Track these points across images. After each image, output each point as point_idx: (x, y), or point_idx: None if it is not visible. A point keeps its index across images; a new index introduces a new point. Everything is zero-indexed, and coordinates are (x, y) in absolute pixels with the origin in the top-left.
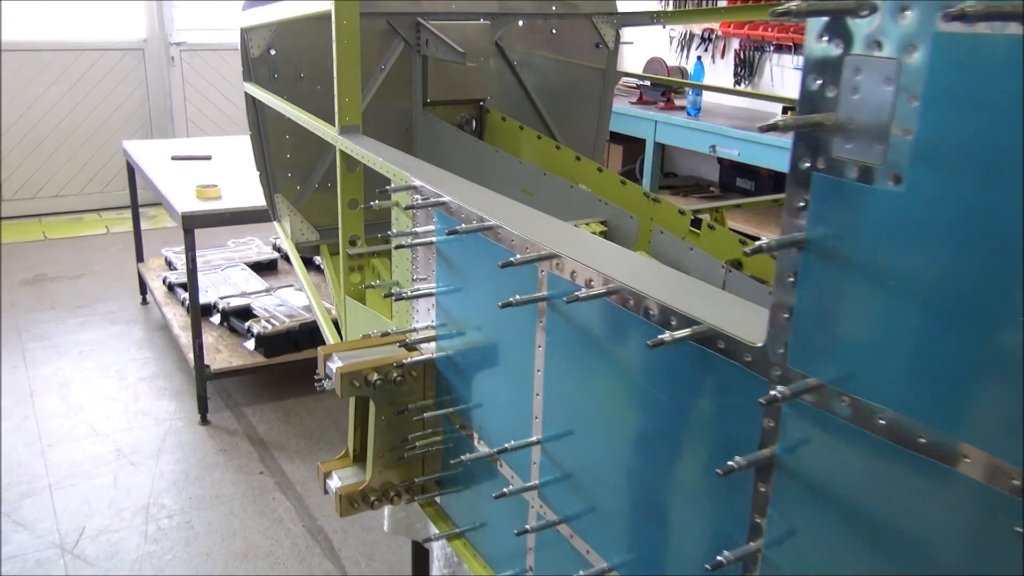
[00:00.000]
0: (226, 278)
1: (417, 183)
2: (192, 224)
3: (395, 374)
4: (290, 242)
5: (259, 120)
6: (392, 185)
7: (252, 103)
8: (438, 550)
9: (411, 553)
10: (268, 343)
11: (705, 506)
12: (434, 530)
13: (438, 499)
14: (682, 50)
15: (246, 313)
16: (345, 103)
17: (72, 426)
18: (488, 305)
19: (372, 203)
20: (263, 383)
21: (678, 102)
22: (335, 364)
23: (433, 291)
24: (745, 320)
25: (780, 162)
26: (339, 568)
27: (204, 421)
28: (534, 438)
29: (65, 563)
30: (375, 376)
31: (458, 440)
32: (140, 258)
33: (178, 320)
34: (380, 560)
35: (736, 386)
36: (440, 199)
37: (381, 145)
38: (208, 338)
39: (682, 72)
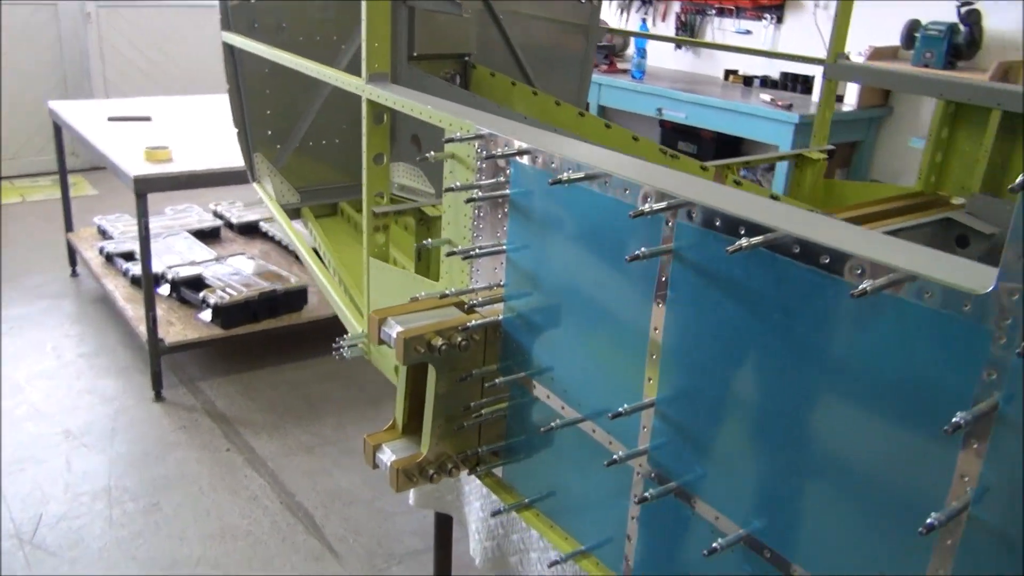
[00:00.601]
0: (168, 247)
1: (486, 131)
2: (145, 188)
3: (459, 338)
4: (274, 204)
5: (237, 74)
6: (457, 134)
7: (230, 55)
8: (477, 523)
9: (434, 527)
10: (226, 314)
11: (892, 464)
12: (474, 502)
13: (498, 470)
14: (622, 13)
15: (198, 283)
16: (374, 48)
17: (11, 407)
18: (582, 261)
19: (429, 154)
20: (218, 356)
21: (620, 65)
22: (394, 329)
23: (504, 248)
24: (943, 268)
25: (727, 125)
26: (324, 544)
27: (158, 398)
28: (648, 400)
29: (25, 554)
30: (440, 341)
31: (530, 406)
32: (69, 227)
33: (121, 292)
34: (366, 535)
35: (950, 337)
36: (523, 148)
37: (415, 92)
38: (157, 310)
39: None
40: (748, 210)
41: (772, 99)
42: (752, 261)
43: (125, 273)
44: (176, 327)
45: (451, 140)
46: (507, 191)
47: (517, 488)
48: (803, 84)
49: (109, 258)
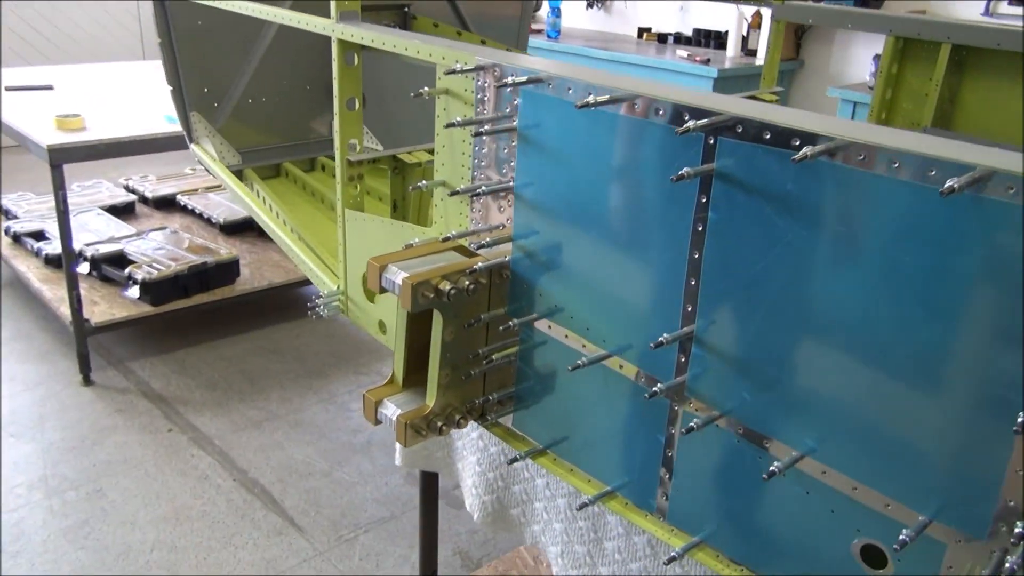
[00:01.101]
0: (83, 224)
1: (488, 62)
2: (61, 158)
3: (466, 282)
4: (218, 164)
5: (169, 28)
6: (457, 65)
7: (161, 8)
8: (474, 477)
9: (420, 486)
10: (155, 290)
11: (974, 372)
12: (469, 457)
13: (506, 419)
14: None
15: (120, 260)
16: None
17: None
18: (605, 190)
19: (423, 90)
20: (148, 335)
21: (535, 26)
22: (399, 275)
23: (511, 185)
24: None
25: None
26: (286, 519)
27: (87, 382)
28: (687, 328)
29: None
30: (448, 285)
31: (544, 349)
32: None
33: (35, 273)
34: (328, 506)
35: None
36: (536, 75)
37: (390, 28)
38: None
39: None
40: (799, 122)
41: (689, 55)
42: (809, 173)
43: (37, 253)
44: (101, 306)
45: (452, 72)
46: (514, 123)
47: (529, 435)
48: (716, 40)
49: (17, 238)
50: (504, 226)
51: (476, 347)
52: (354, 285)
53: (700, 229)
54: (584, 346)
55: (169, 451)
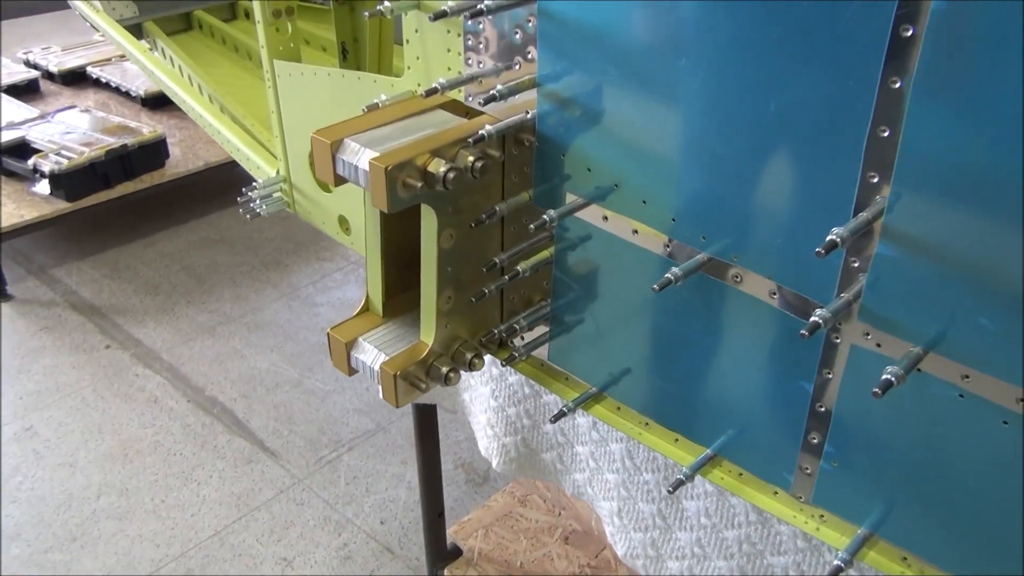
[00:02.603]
0: None
1: None
2: None
3: (471, 158)
4: (106, 19)
5: None
6: None
7: None
8: (489, 414)
9: (415, 422)
10: (67, 182)
11: None
12: (479, 388)
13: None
14: None
15: (23, 149)
16: None
17: None
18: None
19: None
20: (69, 236)
21: None
22: (362, 156)
23: None
24: None
25: None
26: (255, 443)
27: (4, 296)
28: (867, 214)
29: None
30: (443, 167)
31: (600, 248)
32: None
33: None
34: (302, 422)
35: None
36: None
37: None
38: None
39: None
40: None
41: None
42: None
43: None
44: (8, 207)
45: None
46: None
47: (575, 372)
48: None
49: None
50: (519, 65)
51: (489, 254)
52: (299, 169)
53: (896, 85)
54: (668, 247)
55: (109, 372)
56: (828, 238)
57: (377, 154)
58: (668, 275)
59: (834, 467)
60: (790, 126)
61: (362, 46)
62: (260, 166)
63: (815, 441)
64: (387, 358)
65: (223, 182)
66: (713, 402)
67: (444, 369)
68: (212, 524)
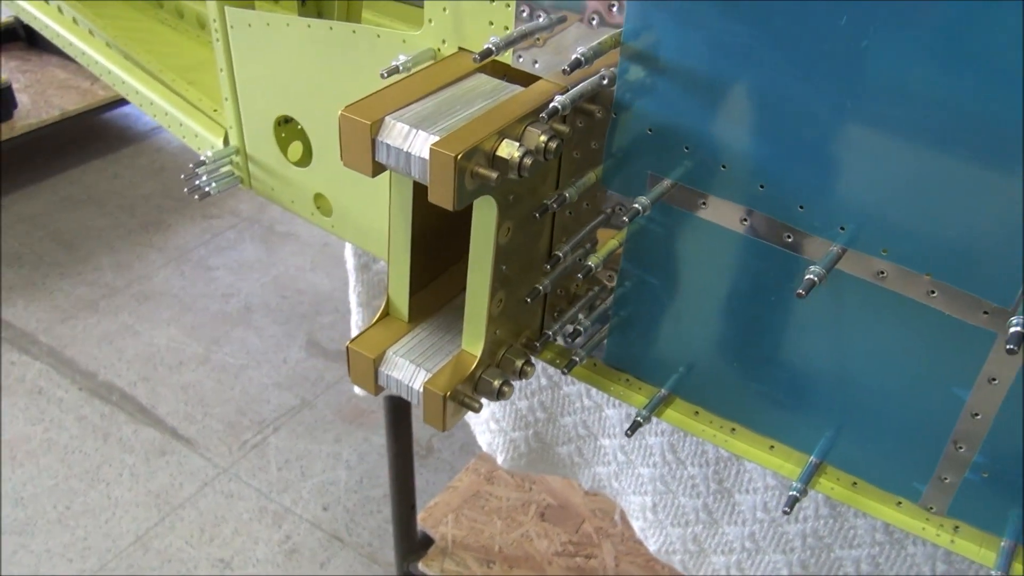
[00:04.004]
0: None
1: None
2: None
3: (543, 138)
4: None
5: None
6: None
7: None
8: (495, 405)
9: (386, 415)
10: None
11: None
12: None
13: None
14: None
15: None
16: None
17: None
18: None
19: None
20: None
21: None
22: (417, 140)
23: None
24: None
25: None
26: (166, 430)
27: None
28: None
29: None
30: (517, 152)
31: (688, 238)
32: None
33: None
34: (217, 403)
35: None
36: None
37: None
38: None
39: None
40: None
41: None
42: None
43: None
44: None
45: None
46: None
47: (637, 372)
48: None
49: None
50: (596, 18)
51: (540, 245)
52: (258, 138)
53: None
54: (789, 237)
55: None
56: None
57: (437, 138)
58: (810, 275)
59: (983, 478)
60: (962, 117)
61: None
62: (203, 134)
63: (962, 450)
64: (429, 375)
65: (85, 132)
66: (825, 408)
67: (496, 383)
68: (131, 529)
